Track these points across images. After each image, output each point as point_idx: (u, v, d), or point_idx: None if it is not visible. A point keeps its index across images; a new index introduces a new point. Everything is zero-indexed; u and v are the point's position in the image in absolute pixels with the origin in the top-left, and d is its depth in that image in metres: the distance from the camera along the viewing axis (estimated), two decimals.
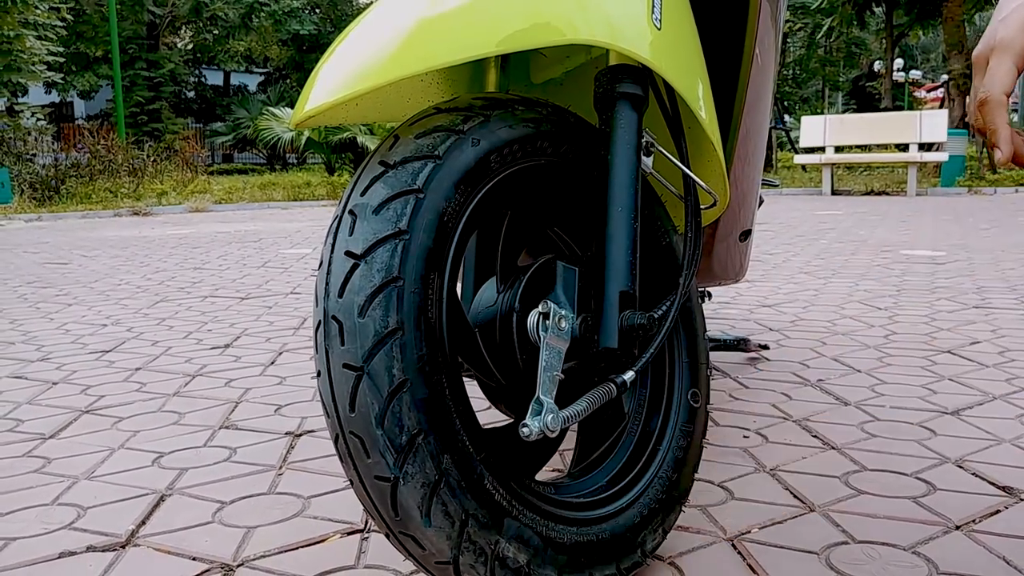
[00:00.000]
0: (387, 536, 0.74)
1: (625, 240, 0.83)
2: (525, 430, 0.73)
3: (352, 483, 0.73)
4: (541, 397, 0.74)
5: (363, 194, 0.73)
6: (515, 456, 0.83)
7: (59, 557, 1.01)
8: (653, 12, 0.83)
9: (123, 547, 1.04)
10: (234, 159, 25.21)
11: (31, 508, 1.16)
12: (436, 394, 0.70)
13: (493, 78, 0.99)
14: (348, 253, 0.71)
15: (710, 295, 1.91)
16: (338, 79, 0.75)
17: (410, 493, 0.69)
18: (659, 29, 0.83)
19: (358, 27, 0.80)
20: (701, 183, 0.95)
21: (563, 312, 0.80)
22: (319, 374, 0.72)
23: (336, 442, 0.72)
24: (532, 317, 0.81)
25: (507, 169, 0.80)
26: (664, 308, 0.86)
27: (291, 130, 14.66)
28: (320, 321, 0.72)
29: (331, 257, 0.72)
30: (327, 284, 0.72)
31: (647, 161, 0.90)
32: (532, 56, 1.07)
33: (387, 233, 0.70)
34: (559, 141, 0.86)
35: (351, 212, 0.73)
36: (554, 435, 0.75)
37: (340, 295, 0.70)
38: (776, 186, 2.51)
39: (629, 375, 0.84)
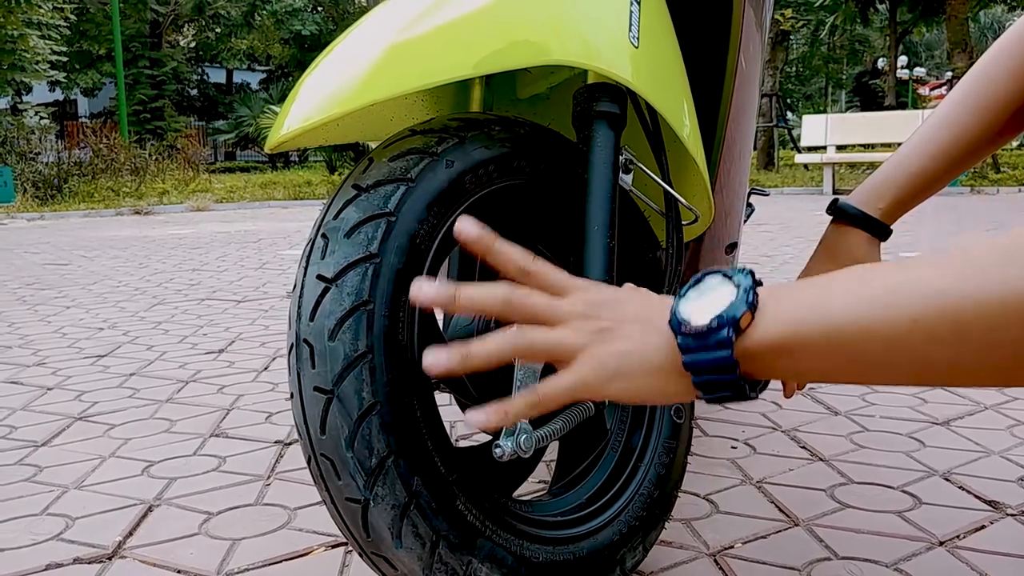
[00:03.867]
0: (360, 556, 0.75)
1: (601, 257, 0.83)
2: (498, 451, 0.73)
3: (325, 503, 0.73)
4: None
5: (335, 217, 0.74)
6: (490, 475, 0.83)
7: (46, 569, 1.02)
8: (630, 30, 0.83)
9: (109, 559, 1.04)
10: (236, 157, 25.25)
11: (21, 518, 1.17)
12: (406, 417, 0.71)
13: (478, 95, 0.99)
14: (320, 277, 0.71)
15: None
16: (314, 102, 0.75)
17: (380, 515, 0.69)
18: (636, 47, 0.83)
19: (337, 48, 0.80)
20: (682, 200, 0.95)
21: None
22: (292, 396, 0.72)
23: (309, 463, 0.72)
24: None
25: (483, 189, 0.80)
26: None
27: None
28: (292, 344, 0.72)
29: (304, 280, 0.73)
30: (299, 307, 0.72)
31: (626, 179, 0.90)
32: (517, 72, 1.07)
33: (357, 257, 0.71)
34: (537, 160, 0.86)
35: (323, 235, 0.73)
36: (527, 455, 0.75)
37: (311, 318, 0.71)
38: (767, 195, 2.51)
39: None
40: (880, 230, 1.04)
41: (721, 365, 0.54)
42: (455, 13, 0.76)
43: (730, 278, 0.55)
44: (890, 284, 0.50)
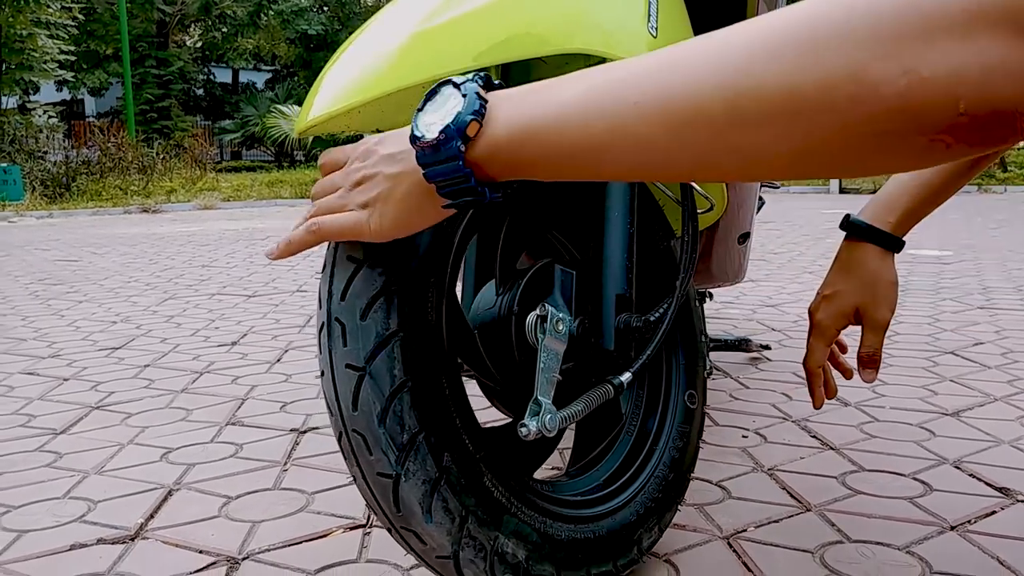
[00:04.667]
0: (389, 531, 0.76)
1: (621, 244, 0.84)
2: (523, 430, 0.74)
3: (355, 479, 0.75)
4: (539, 398, 0.76)
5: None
6: (514, 455, 0.85)
7: (70, 549, 1.04)
8: (649, 20, 0.84)
9: (132, 540, 1.06)
10: (242, 156, 25.28)
11: (43, 502, 1.19)
12: (436, 394, 0.72)
13: None
14: (350, 258, 0.73)
15: (711, 295, 1.93)
16: (338, 89, 0.76)
17: (411, 490, 0.71)
18: (655, 37, 0.84)
19: (361, 36, 0.81)
20: (698, 188, 0.97)
21: (560, 315, 0.81)
22: (323, 374, 0.74)
23: (340, 440, 0.74)
24: (530, 319, 0.82)
25: None
26: (661, 311, 0.88)
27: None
28: (323, 323, 0.74)
29: (334, 261, 0.74)
30: (330, 287, 0.74)
31: None
32: (532, 63, 1.08)
33: None
34: None
35: None
36: (552, 435, 0.77)
37: (343, 298, 0.72)
38: (776, 188, 2.53)
39: (626, 376, 0.85)
40: (892, 243, 1.07)
41: (455, 175, 0.57)
42: (476, 3, 0.77)
43: (459, 87, 0.58)
44: (614, 75, 0.52)
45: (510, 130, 0.55)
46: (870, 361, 1.11)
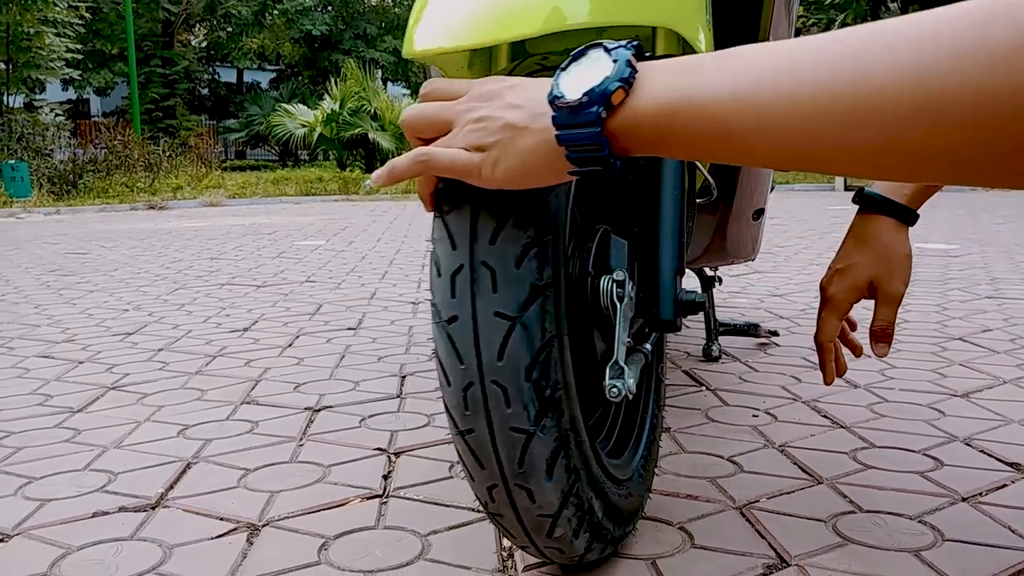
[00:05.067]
0: (489, 489, 0.74)
1: (675, 216, 0.84)
2: (614, 391, 0.75)
3: (470, 434, 0.71)
4: (620, 362, 0.76)
5: None
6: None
7: (93, 516, 1.05)
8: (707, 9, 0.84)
9: (153, 508, 1.08)
10: (247, 155, 25.34)
11: (64, 473, 1.21)
12: (581, 352, 0.72)
13: (505, 55, 1.01)
14: (500, 200, 0.70)
15: (720, 280, 1.94)
16: (449, 27, 0.75)
17: (541, 446, 0.70)
18: (710, 28, 0.84)
19: None
20: (704, 171, 0.98)
21: (631, 282, 0.82)
22: (454, 320, 0.70)
23: (467, 390, 0.70)
24: (605, 283, 0.81)
25: None
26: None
27: (304, 126, 14.75)
28: (464, 266, 0.70)
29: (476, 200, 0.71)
30: (475, 228, 0.70)
31: None
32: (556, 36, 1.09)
33: None
34: None
35: None
36: (632, 396, 0.78)
37: (492, 242, 0.69)
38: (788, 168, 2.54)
39: (647, 347, 0.87)
40: (907, 215, 1.07)
41: (590, 141, 0.55)
42: None
43: (610, 52, 0.56)
44: (776, 60, 0.49)
45: (660, 104, 0.53)
46: (883, 335, 1.11)
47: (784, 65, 0.49)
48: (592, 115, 0.54)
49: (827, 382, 1.13)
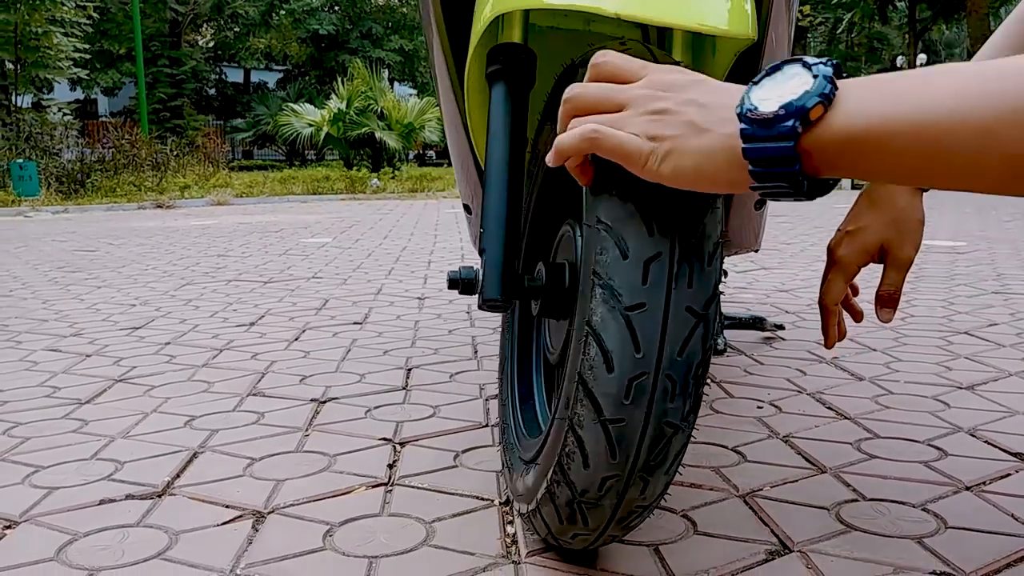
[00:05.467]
0: (605, 480, 0.73)
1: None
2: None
3: (612, 423, 0.70)
4: None
5: None
6: None
7: (99, 504, 1.06)
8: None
9: (159, 496, 1.09)
10: (254, 155, 25.42)
11: (71, 463, 1.21)
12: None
13: (519, 25, 1.01)
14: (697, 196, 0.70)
15: (726, 274, 1.94)
16: None
17: (678, 442, 0.71)
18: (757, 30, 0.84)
19: None
20: None
21: None
22: (640, 308, 0.68)
23: (633, 381, 0.68)
24: None
25: None
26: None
27: (310, 125, 14.78)
28: (661, 253, 0.68)
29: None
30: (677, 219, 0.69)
31: None
32: (552, 32, 1.10)
33: None
34: None
35: None
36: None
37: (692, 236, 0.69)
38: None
39: None
40: None
41: (781, 156, 0.52)
42: None
43: (810, 68, 0.54)
44: (988, 74, 0.47)
45: (866, 123, 0.50)
46: (889, 300, 1.08)
47: (998, 77, 0.47)
48: (787, 129, 0.52)
49: (828, 346, 1.10)
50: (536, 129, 0.99)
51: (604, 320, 0.68)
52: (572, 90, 0.64)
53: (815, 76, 0.53)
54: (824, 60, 0.54)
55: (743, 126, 0.54)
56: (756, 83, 0.55)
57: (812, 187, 0.55)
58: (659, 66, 0.62)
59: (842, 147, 0.51)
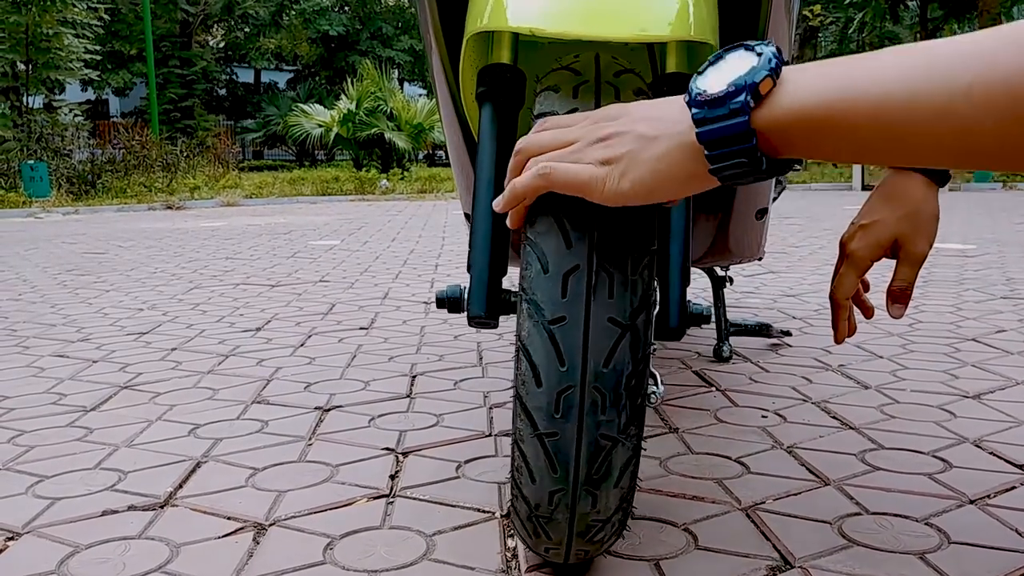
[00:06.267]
0: (558, 492, 0.73)
1: (683, 229, 0.85)
2: (652, 397, 0.77)
3: (547, 437, 0.70)
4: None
5: None
6: None
7: (102, 515, 1.06)
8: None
9: (162, 507, 1.09)
10: (264, 155, 25.49)
11: (74, 472, 1.22)
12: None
13: (507, 47, 1.01)
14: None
15: (731, 280, 1.93)
16: (547, 11, 0.75)
17: (620, 456, 0.70)
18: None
19: None
20: None
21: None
22: (560, 320, 0.68)
23: (561, 394, 0.69)
24: None
25: None
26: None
27: (320, 126, 14.81)
28: (579, 265, 0.68)
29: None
30: (594, 231, 0.70)
31: None
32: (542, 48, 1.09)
33: None
34: None
35: None
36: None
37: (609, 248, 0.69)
38: (797, 170, 2.53)
39: None
40: (940, 175, 1.03)
41: (736, 134, 0.53)
42: None
43: (752, 48, 0.55)
44: (939, 53, 0.48)
45: (806, 100, 0.51)
46: (901, 295, 1.06)
47: (947, 56, 0.48)
48: (739, 104, 0.52)
49: (837, 340, 1.08)
50: None
51: (530, 335, 0.69)
52: (522, 142, 0.66)
53: (759, 54, 0.54)
54: (766, 41, 0.55)
55: (694, 111, 0.55)
56: (700, 73, 0.56)
57: (771, 165, 0.55)
58: (607, 107, 0.63)
59: (796, 123, 0.52)
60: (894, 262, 1.09)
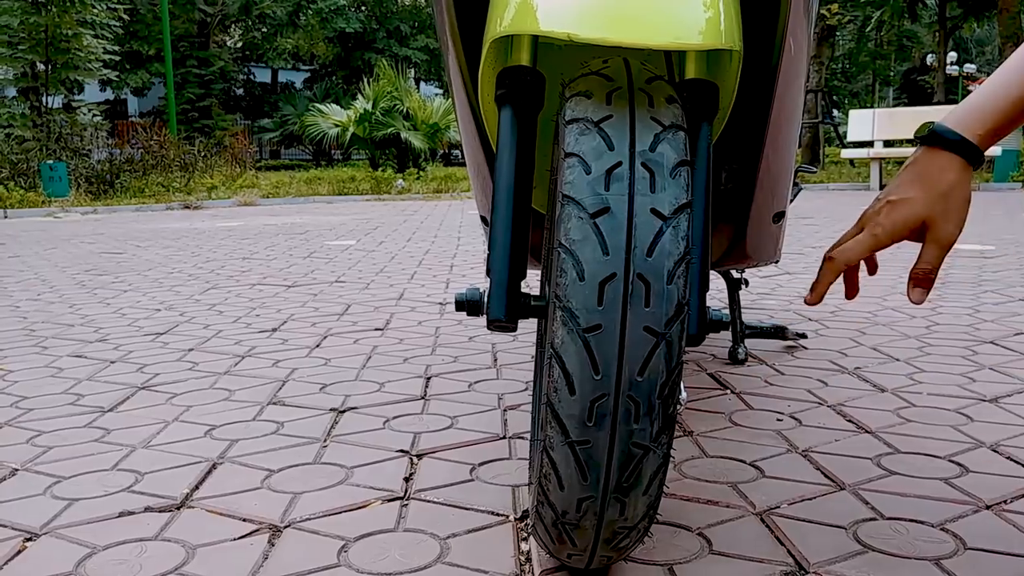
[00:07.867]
0: (585, 501, 0.73)
1: (703, 239, 0.85)
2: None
3: (579, 445, 0.71)
4: None
5: (652, 150, 0.72)
6: None
7: (119, 516, 1.08)
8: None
9: (178, 508, 1.10)
10: (281, 155, 25.61)
11: (92, 473, 1.23)
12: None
13: (527, 48, 1.00)
14: (655, 211, 0.70)
15: (747, 283, 1.92)
16: (570, 14, 0.75)
17: (651, 464, 0.71)
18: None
19: None
20: None
21: None
22: (595, 328, 0.68)
23: (595, 402, 0.69)
24: None
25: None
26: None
27: (337, 125, 14.86)
28: (618, 275, 0.68)
29: (632, 209, 0.70)
30: (633, 238, 0.69)
31: None
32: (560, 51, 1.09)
33: (684, 200, 0.71)
34: None
35: (645, 166, 0.71)
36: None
37: (649, 254, 0.69)
38: (814, 171, 2.51)
39: None
40: (976, 156, 1.00)
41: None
42: None
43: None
44: None
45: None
46: (924, 279, 1.00)
47: None
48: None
49: (810, 301, 1.00)
50: (552, 155, 0.99)
51: (564, 342, 0.69)
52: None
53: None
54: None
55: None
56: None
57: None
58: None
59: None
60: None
